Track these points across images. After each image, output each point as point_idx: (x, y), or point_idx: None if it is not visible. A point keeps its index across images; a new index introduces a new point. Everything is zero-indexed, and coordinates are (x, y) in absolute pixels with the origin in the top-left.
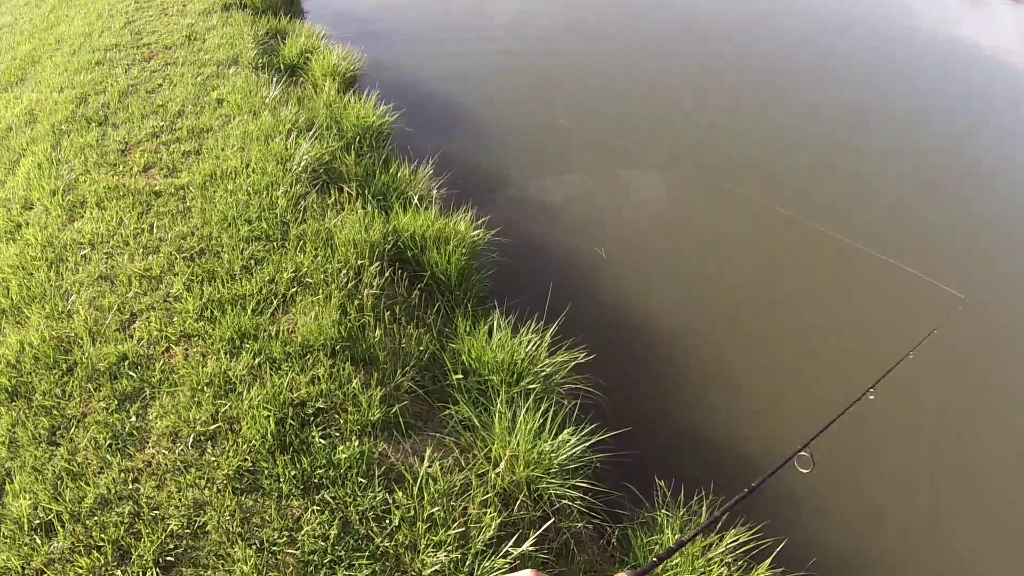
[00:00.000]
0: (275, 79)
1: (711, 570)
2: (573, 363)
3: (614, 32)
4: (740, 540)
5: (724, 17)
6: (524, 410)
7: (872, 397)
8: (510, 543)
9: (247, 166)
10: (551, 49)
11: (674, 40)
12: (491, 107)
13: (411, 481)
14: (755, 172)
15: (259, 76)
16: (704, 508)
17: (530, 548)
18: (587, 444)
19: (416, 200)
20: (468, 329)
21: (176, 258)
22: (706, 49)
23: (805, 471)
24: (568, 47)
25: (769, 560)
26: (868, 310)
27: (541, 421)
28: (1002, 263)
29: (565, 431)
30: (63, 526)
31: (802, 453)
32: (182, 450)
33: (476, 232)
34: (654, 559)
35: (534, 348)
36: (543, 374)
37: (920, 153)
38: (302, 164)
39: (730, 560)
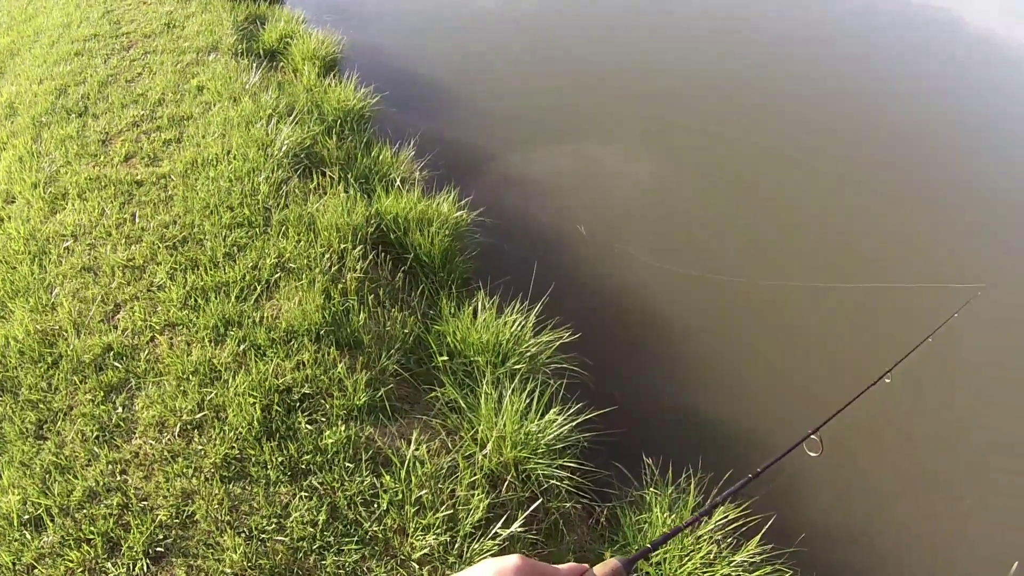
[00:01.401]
0: (255, 65)
1: (700, 547)
2: (558, 342)
3: (594, 12)
4: (729, 517)
5: None
6: (510, 391)
7: (888, 381)
8: (498, 524)
9: (228, 153)
10: (530, 30)
11: (656, 16)
12: (472, 87)
13: (398, 465)
14: (739, 147)
15: (239, 62)
16: (692, 486)
17: (519, 529)
18: (574, 424)
19: (398, 182)
20: (452, 311)
21: (159, 247)
22: (688, 25)
23: (814, 454)
24: (548, 27)
25: (758, 537)
26: (861, 296)
27: (527, 401)
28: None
29: (552, 411)
30: (52, 520)
31: (812, 437)
32: (169, 440)
33: (459, 213)
34: (647, 545)
35: (519, 328)
36: (528, 354)
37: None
38: (283, 149)
39: (719, 537)
